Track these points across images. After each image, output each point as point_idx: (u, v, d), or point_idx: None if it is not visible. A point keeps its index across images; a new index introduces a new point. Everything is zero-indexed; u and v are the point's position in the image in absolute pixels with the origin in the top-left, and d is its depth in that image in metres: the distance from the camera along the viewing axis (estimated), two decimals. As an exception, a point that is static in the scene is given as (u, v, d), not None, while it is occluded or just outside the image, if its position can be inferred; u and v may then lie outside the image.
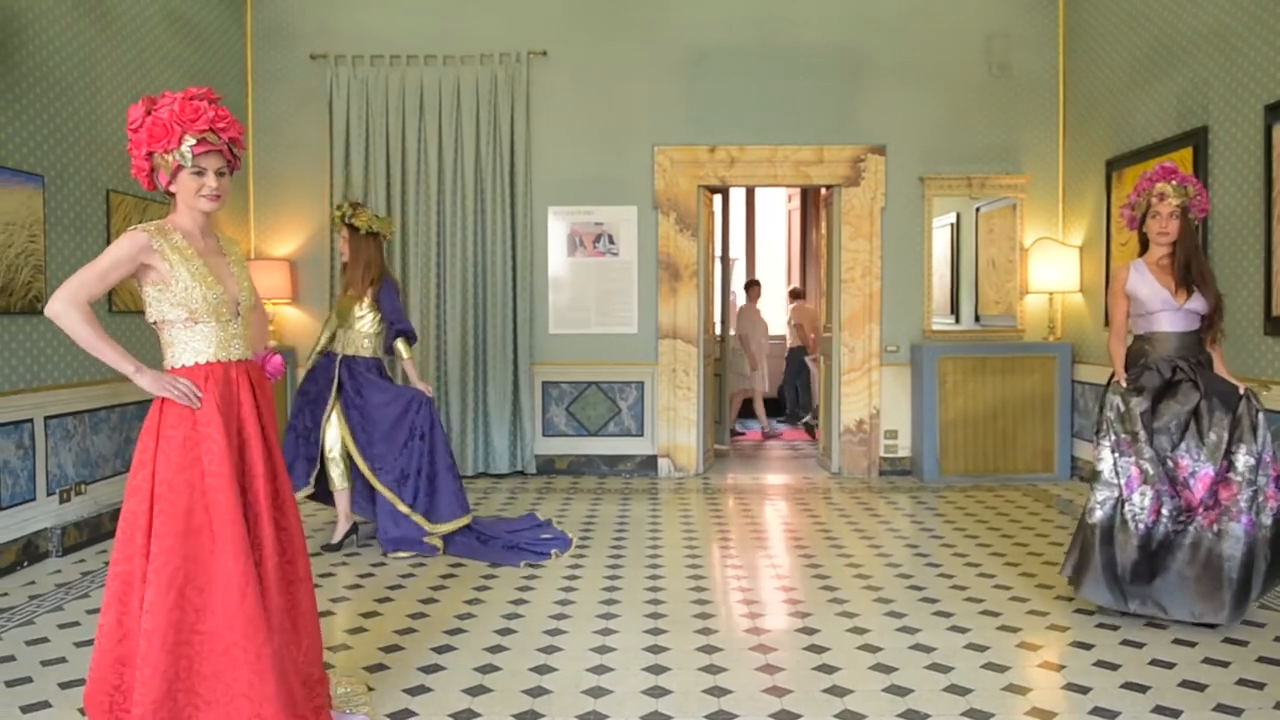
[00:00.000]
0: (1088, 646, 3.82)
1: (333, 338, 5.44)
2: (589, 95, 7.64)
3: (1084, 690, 3.39)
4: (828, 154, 7.59)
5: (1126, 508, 3.99)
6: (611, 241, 7.70)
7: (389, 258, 7.53)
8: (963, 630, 4.01)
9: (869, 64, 7.58)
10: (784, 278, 14.24)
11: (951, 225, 7.77)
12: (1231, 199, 5.52)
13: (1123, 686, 3.42)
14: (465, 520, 5.36)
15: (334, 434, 5.32)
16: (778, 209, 14.33)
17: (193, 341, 2.80)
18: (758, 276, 11.84)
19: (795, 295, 11.51)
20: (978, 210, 7.72)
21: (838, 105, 7.60)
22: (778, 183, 7.88)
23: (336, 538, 5.36)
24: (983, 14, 7.59)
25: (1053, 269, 7.32)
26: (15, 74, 5.04)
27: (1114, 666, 3.60)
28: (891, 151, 7.59)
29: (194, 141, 2.73)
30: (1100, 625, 4.04)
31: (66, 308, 2.66)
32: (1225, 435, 3.94)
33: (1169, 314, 4.13)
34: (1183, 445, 3.98)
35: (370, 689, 3.39)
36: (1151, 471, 3.98)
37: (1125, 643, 3.85)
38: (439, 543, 5.28)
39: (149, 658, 2.65)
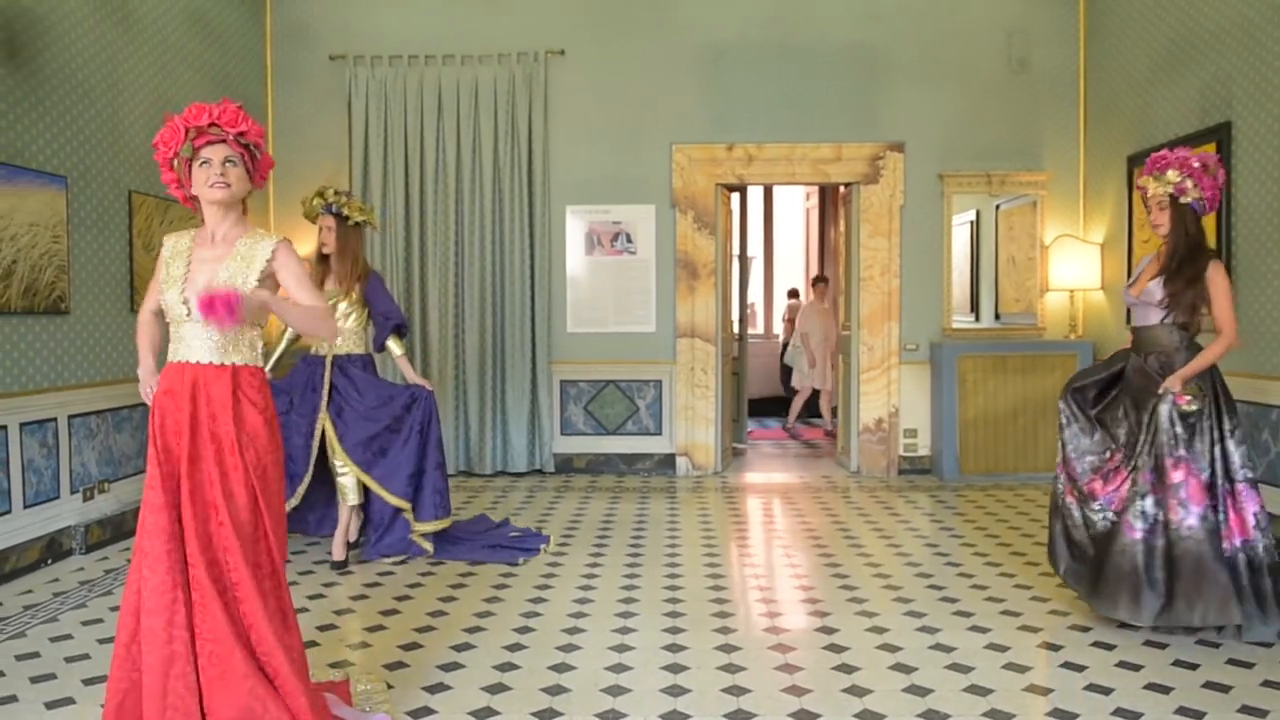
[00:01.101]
0: (1109, 647, 3.79)
1: (298, 336, 5.08)
2: (606, 94, 7.64)
3: (1106, 691, 3.36)
4: (846, 152, 7.56)
5: (1058, 484, 4.21)
6: (629, 240, 7.70)
7: (409, 255, 7.59)
8: (983, 630, 3.99)
9: (887, 61, 7.55)
10: (802, 276, 14.22)
11: (971, 223, 7.72)
12: (1256, 195, 5.46)
13: (1145, 687, 3.39)
14: (446, 523, 5.17)
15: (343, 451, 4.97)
16: (796, 207, 14.30)
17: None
18: (824, 274, 11.95)
19: (793, 294, 12.08)
20: (997, 207, 7.67)
21: (856, 102, 7.57)
22: (796, 181, 7.86)
23: (341, 554, 5.01)
24: (1002, 10, 7.54)
25: (1073, 266, 7.26)
26: (38, 77, 5.08)
27: (1136, 667, 3.57)
28: (910, 149, 7.56)
29: (195, 134, 2.83)
30: (1123, 626, 4.00)
31: (138, 317, 3.14)
32: (1137, 434, 3.95)
33: (1134, 309, 4.14)
34: (1120, 438, 4.04)
35: (390, 686, 3.41)
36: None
37: (1148, 644, 3.81)
38: (429, 545, 5.13)
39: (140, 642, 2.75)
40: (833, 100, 7.57)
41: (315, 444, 4.97)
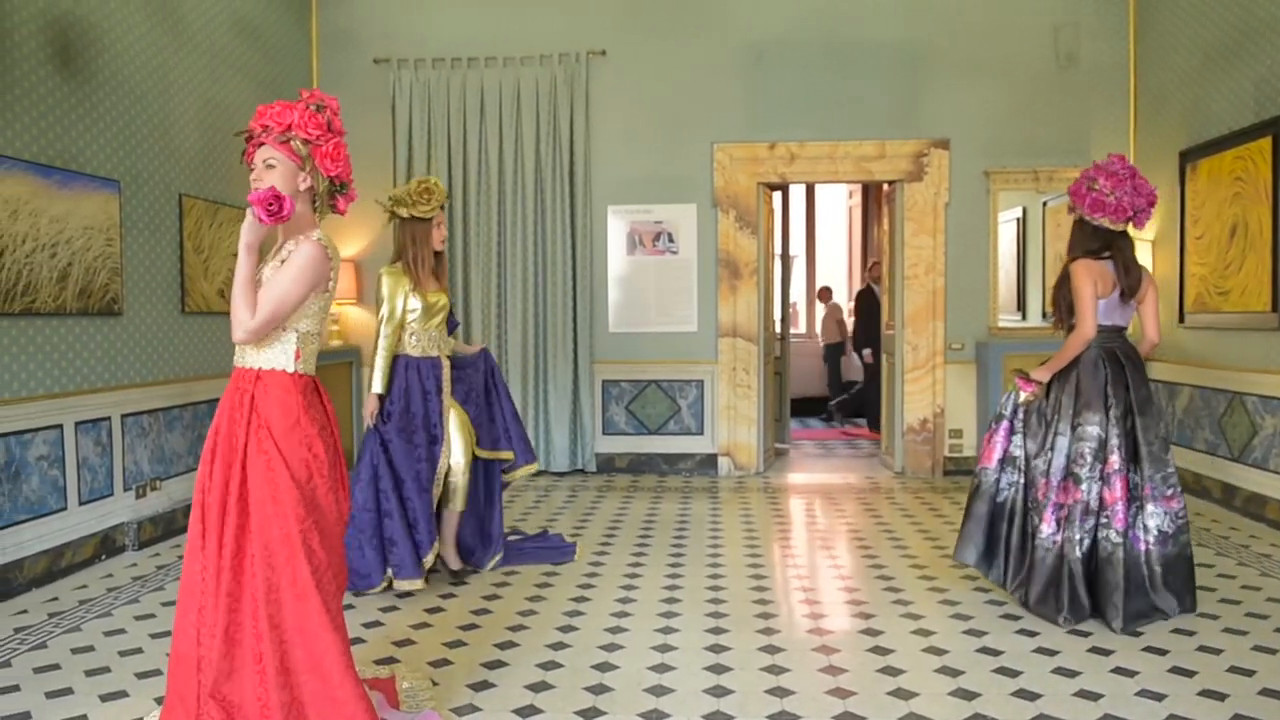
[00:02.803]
0: (1162, 652, 3.71)
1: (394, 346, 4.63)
2: (648, 94, 7.64)
3: (1159, 697, 3.29)
4: (890, 149, 7.49)
5: None
6: (671, 240, 7.69)
7: (452, 256, 7.64)
8: (1031, 634, 3.93)
9: (932, 56, 7.46)
10: (845, 275, 14.13)
11: (1017, 220, 7.61)
12: (1314, 190, 5.32)
13: (1199, 694, 3.32)
14: (533, 467, 5.14)
15: (459, 450, 4.75)
16: (838, 205, 14.20)
17: None
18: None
19: (826, 295, 11.95)
20: (1044, 204, 7.55)
21: (900, 99, 7.49)
22: (838, 179, 7.80)
23: (457, 563, 4.84)
24: (1049, 3, 7.42)
25: (1124, 264, 7.12)
26: (92, 83, 5.19)
27: (1190, 673, 3.50)
28: (955, 145, 7.47)
29: (245, 146, 2.83)
30: (1175, 631, 3.93)
31: None
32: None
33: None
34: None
35: (435, 684, 3.43)
36: None
37: (1201, 649, 3.73)
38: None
39: None
40: (876, 97, 7.50)
41: (448, 448, 4.71)
